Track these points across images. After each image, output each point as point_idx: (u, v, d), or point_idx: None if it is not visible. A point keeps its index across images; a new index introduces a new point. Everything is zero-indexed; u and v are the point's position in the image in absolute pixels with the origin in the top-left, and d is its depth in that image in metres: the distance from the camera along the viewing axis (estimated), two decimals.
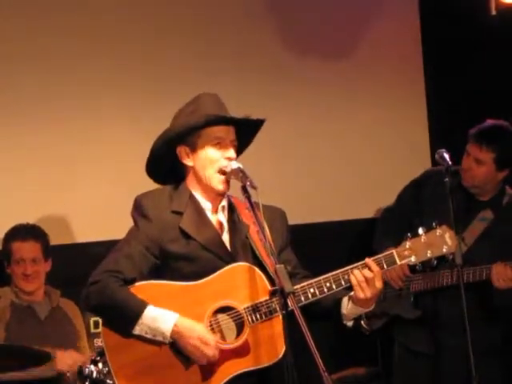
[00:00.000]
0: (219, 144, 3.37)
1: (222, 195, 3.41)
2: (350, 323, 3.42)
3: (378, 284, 3.31)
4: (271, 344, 3.24)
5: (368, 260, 3.34)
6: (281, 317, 3.16)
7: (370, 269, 3.31)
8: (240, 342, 3.26)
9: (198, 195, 3.43)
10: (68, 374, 4.35)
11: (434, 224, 3.42)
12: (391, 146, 5.73)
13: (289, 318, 3.06)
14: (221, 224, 3.43)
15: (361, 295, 3.30)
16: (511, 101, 5.31)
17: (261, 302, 3.28)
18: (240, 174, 3.29)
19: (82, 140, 5.02)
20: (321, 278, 3.33)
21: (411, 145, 5.73)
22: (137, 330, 3.22)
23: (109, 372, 4.18)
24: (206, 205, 3.42)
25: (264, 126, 3.50)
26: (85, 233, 5.00)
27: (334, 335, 5.05)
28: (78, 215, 4.99)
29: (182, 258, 3.33)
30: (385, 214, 4.89)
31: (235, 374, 3.26)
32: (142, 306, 3.23)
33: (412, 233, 3.41)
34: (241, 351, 3.26)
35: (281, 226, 3.53)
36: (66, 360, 4.37)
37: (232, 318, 3.29)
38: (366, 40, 5.70)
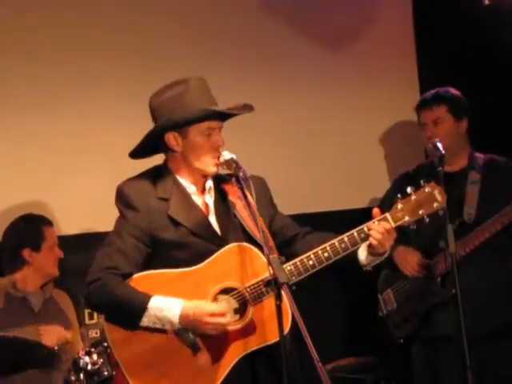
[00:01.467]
0: (209, 130, 3.40)
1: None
2: (369, 268, 3.49)
3: (393, 236, 3.40)
4: (274, 322, 3.18)
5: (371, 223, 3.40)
6: (276, 308, 3.12)
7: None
8: (246, 321, 3.27)
9: (182, 180, 3.45)
10: (56, 348, 4.36)
11: (421, 182, 3.47)
12: (384, 136, 5.74)
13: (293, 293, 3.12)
14: (207, 206, 3.45)
15: (380, 249, 3.38)
16: (506, 93, 5.31)
17: (262, 280, 3.29)
18: (233, 164, 3.32)
19: (82, 132, 5.01)
20: (335, 240, 3.38)
21: (405, 135, 5.74)
22: (144, 322, 3.25)
23: (103, 363, 4.22)
24: (191, 188, 3.45)
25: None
26: (73, 225, 4.99)
27: (344, 322, 5.10)
28: (63, 208, 4.97)
29: (173, 245, 3.35)
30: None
31: (244, 353, 3.28)
32: (147, 297, 3.25)
33: (402, 194, 3.45)
34: (247, 331, 3.28)
35: (265, 195, 3.57)
36: (51, 335, 4.36)
37: (234, 298, 3.31)
38: (361, 36, 5.71)
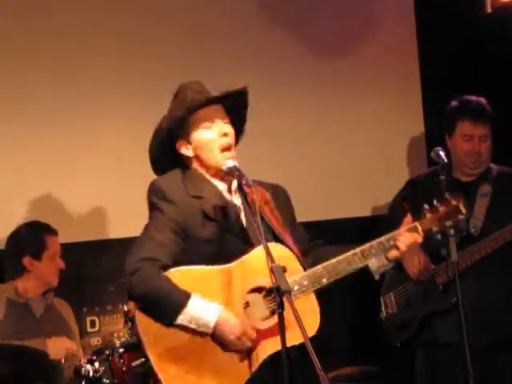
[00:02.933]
0: (210, 123, 3.44)
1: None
2: (377, 276, 3.52)
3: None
4: (307, 319, 3.17)
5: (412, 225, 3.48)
6: (278, 316, 3.12)
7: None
8: (275, 320, 3.21)
9: (211, 178, 3.48)
10: (62, 361, 4.35)
11: (446, 195, 3.58)
12: (388, 144, 5.73)
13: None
14: (237, 206, 3.48)
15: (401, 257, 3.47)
16: (506, 98, 5.31)
17: (294, 279, 3.31)
18: (236, 172, 3.34)
19: (84, 140, 5.03)
20: (366, 246, 3.46)
21: (407, 143, 5.74)
22: (180, 320, 3.25)
23: (105, 371, 4.21)
24: (221, 185, 3.49)
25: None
26: (77, 232, 4.99)
27: (346, 331, 5.09)
28: (66, 215, 4.98)
29: (205, 241, 3.37)
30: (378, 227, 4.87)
31: (272, 352, 3.27)
32: (187, 296, 3.25)
33: (429, 205, 3.54)
34: (276, 330, 3.21)
35: (286, 202, 3.62)
36: (58, 348, 4.35)
37: (267, 300, 3.33)
38: (363, 40, 5.71)
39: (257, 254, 3.33)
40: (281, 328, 3.03)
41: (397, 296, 4.62)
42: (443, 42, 5.70)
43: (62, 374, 4.35)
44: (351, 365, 5.23)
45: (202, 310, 3.24)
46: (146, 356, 3.30)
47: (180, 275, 3.31)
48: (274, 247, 3.29)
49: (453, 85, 5.55)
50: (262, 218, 3.40)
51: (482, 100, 4.60)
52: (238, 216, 3.45)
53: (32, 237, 4.58)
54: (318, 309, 3.31)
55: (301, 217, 4.96)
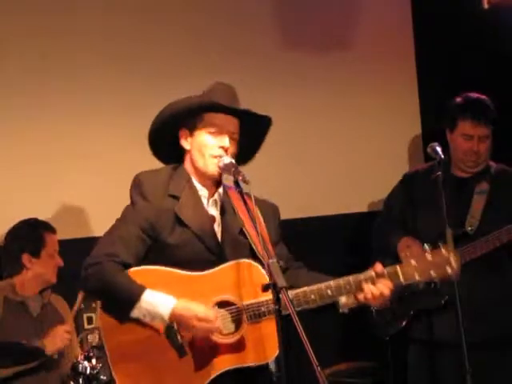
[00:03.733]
0: (216, 132, 3.38)
1: (216, 183, 3.40)
2: (346, 310, 3.40)
3: (388, 297, 3.32)
4: (265, 344, 3.24)
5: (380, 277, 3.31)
6: (274, 312, 3.11)
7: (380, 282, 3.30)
8: (236, 337, 3.27)
9: (195, 181, 3.44)
10: (56, 356, 4.36)
11: (439, 244, 3.40)
12: (384, 140, 5.73)
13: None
14: (213, 217, 3.43)
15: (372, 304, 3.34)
16: (503, 95, 5.31)
17: (261, 301, 3.28)
18: (232, 168, 3.30)
19: (80, 136, 5.01)
20: (341, 281, 3.32)
21: (404, 139, 5.74)
22: (135, 314, 3.24)
23: (102, 367, 4.22)
24: (203, 191, 3.44)
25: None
26: (74, 228, 4.99)
27: (342, 327, 5.08)
28: (62, 213, 4.97)
29: (173, 246, 3.34)
30: (377, 227, 4.86)
31: (225, 369, 3.27)
32: (141, 289, 3.24)
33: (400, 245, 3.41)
34: (236, 347, 3.26)
35: (273, 220, 3.55)
36: (55, 340, 4.35)
37: (231, 313, 3.30)
38: (360, 38, 5.70)
39: (230, 267, 3.31)
40: (278, 327, 3.02)
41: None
42: (440, 38, 5.69)
43: (56, 364, 4.36)
44: (346, 361, 5.24)
45: (156, 302, 3.22)
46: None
47: (145, 274, 3.29)
48: (246, 265, 3.30)
49: (450, 81, 5.55)
50: (241, 231, 3.40)
51: (486, 99, 4.57)
52: (211, 226, 3.40)
53: (31, 234, 4.56)
54: (277, 339, 3.16)
55: (296, 213, 4.98)
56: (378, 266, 3.34)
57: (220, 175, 3.39)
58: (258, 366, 3.28)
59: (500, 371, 4.39)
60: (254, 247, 3.35)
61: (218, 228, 3.42)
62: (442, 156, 4.19)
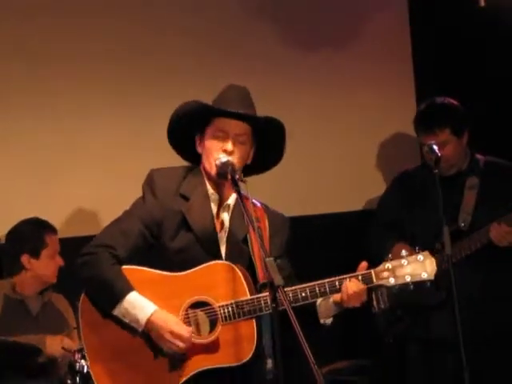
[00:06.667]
0: (222, 136, 3.36)
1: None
2: (328, 321, 3.43)
3: (363, 297, 3.35)
4: (239, 345, 3.26)
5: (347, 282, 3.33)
6: (270, 311, 3.13)
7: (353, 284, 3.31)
8: (211, 338, 3.28)
9: (208, 185, 3.44)
10: (59, 360, 4.34)
11: (416, 248, 3.41)
12: (380, 139, 5.74)
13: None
14: (222, 222, 3.43)
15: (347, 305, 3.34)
16: (501, 90, 5.32)
17: (236, 302, 3.28)
18: (229, 167, 3.29)
19: (80, 137, 5.02)
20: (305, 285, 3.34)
21: (400, 138, 5.74)
22: (116, 312, 3.26)
23: None
24: (214, 196, 3.43)
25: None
26: (75, 227, 4.98)
27: (339, 325, 5.07)
28: (61, 211, 4.98)
29: (173, 249, 3.35)
30: (372, 232, 4.87)
31: (201, 369, 3.28)
32: (127, 289, 3.26)
33: (393, 254, 3.41)
34: (210, 348, 3.28)
35: (280, 233, 3.52)
36: (56, 346, 4.35)
37: (206, 313, 3.31)
38: (357, 38, 5.70)
39: (209, 267, 3.32)
40: (273, 323, 3.02)
41: (388, 290, 4.60)
42: (437, 35, 5.69)
43: (55, 368, 4.35)
44: (345, 359, 5.24)
45: (138, 307, 3.24)
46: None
47: (130, 273, 3.30)
48: (226, 267, 3.31)
49: (446, 79, 5.55)
50: (244, 239, 3.41)
51: (436, 105, 4.58)
52: (214, 231, 3.39)
53: (31, 235, 4.55)
54: (255, 337, 3.26)
55: (293, 211, 4.97)
56: (361, 265, 3.37)
57: (224, 176, 3.35)
58: (252, 362, 3.27)
59: (498, 369, 4.39)
60: (253, 257, 3.36)
61: (223, 234, 3.42)
62: (439, 154, 4.19)
